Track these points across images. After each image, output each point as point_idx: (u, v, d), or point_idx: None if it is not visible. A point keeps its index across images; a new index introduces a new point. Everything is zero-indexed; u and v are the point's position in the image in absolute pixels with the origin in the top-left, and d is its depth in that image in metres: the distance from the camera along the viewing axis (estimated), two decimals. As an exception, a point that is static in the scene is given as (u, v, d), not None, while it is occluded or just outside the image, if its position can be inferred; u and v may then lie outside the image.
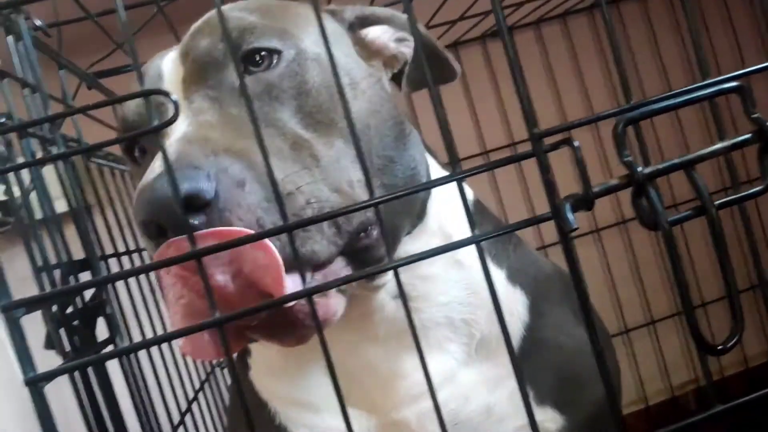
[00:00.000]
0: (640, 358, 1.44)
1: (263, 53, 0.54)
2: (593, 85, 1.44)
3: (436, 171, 0.68)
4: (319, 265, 0.48)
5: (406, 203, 0.59)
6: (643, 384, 1.44)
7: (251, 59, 0.54)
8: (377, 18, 0.64)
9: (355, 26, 0.64)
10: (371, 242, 0.53)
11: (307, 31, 0.57)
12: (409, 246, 0.62)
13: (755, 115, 0.42)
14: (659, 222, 0.40)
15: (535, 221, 0.43)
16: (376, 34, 0.64)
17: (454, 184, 0.43)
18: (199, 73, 0.55)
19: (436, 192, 0.65)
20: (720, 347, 0.41)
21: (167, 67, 0.57)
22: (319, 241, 0.48)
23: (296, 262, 0.43)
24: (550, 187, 0.41)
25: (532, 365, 0.65)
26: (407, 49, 0.65)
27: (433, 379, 0.63)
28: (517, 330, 0.66)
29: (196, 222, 0.43)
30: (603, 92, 1.44)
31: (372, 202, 0.41)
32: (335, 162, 0.53)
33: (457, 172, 0.41)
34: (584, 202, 0.40)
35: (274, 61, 0.54)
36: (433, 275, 0.63)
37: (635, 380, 1.44)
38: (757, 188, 0.42)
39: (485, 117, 1.41)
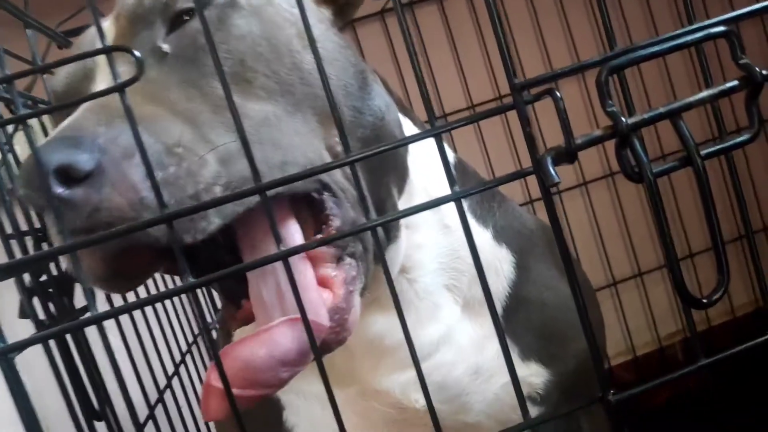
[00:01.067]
0: (627, 310, 1.45)
1: (190, 12, 0.49)
2: (581, 35, 1.41)
3: (412, 131, 0.66)
4: None
5: (388, 158, 0.57)
6: (630, 335, 1.45)
7: (181, 18, 0.49)
8: None
9: None
10: (336, 213, 0.49)
11: None
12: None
13: (743, 61, 0.40)
14: (643, 174, 0.39)
15: (517, 176, 0.42)
16: None
17: (432, 143, 0.41)
18: (127, 34, 0.51)
19: (415, 152, 0.63)
20: (705, 300, 0.40)
21: (107, 30, 0.52)
22: (215, 222, 0.42)
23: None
24: (530, 140, 0.40)
25: (517, 322, 0.65)
26: None
27: (426, 348, 0.63)
28: (502, 289, 0.66)
29: (68, 191, 0.39)
30: (591, 43, 1.41)
31: (348, 159, 0.40)
32: (274, 124, 0.48)
33: (436, 127, 0.40)
34: (566, 155, 0.39)
35: (193, 15, 0.50)
36: (424, 243, 0.62)
37: (623, 332, 1.45)
38: (744, 137, 0.41)
39: (471, 71, 1.38)
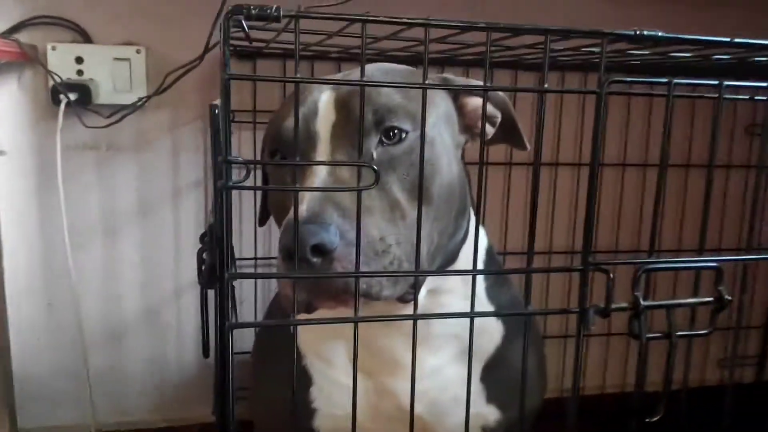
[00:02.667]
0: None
1: (396, 131, 0.69)
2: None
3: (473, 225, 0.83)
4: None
5: (443, 254, 0.78)
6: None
7: (387, 133, 0.69)
8: (479, 92, 0.77)
9: (459, 95, 0.78)
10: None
11: (430, 113, 0.71)
12: (439, 282, 0.80)
13: (720, 288, 0.65)
14: (641, 338, 0.63)
15: (564, 312, 0.65)
16: (474, 105, 0.78)
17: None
18: (347, 128, 0.68)
19: (468, 241, 0.83)
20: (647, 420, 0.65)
21: (322, 107, 0.69)
22: (387, 288, 0.66)
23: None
24: (584, 296, 0.63)
25: (492, 375, 0.86)
26: (491, 129, 0.80)
27: (425, 371, 0.84)
28: (490, 349, 0.87)
29: (315, 260, 0.60)
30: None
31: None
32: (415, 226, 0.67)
33: (530, 269, 0.62)
34: (603, 313, 0.62)
35: (402, 137, 0.69)
36: (448, 303, 0.81)
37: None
38: (704, 331, 0.66)
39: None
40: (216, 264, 0.70)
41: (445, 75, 0.80)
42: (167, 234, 1.41)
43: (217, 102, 0.79)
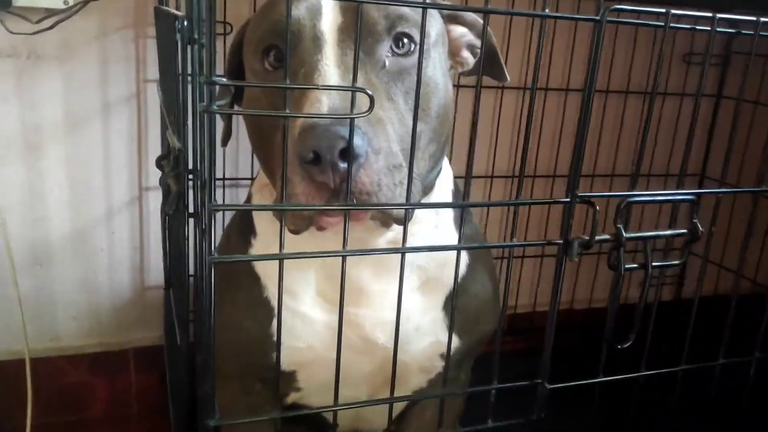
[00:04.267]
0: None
1: (406, 40, 0.66)
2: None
3: (445, 164, 0.84)
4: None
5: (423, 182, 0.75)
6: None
7: (397, 42, 0.66)
8: (464, 20, 0.77)
9: (446, 19, 0.76)
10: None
11: (432, 27, 0.70)
12: (417, 210, 0.78)
13: (694, 221, 0.66)
14: (620, 269, 0.64)
15: (548, 243, 0.65)
16: (458, 33, 0.78)
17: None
18: (353, 34, 0.62)
19: (444, 173, 0.82)
20: (619, 346, 0.67)
21: (326, 6, 0.65)
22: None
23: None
24: (567, 227, 0.63)
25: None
26: (472, 60, 0.78)
27: (389, 301, 0.83)
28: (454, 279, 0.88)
29: (344, 165, 0.56)
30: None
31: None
32: (420, 141, 0.67)
33: (517, 201, 0.61)
34: (587, 244, 0.63)
35: (411, 49, 0.67)
36: (417, 233, 0.80)
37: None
38: (676, 262, 0.68)
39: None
40: (183, 192, 0.66)
41: None
42: (96, 151, 1.32)
43: (173, 11, 0.72)
